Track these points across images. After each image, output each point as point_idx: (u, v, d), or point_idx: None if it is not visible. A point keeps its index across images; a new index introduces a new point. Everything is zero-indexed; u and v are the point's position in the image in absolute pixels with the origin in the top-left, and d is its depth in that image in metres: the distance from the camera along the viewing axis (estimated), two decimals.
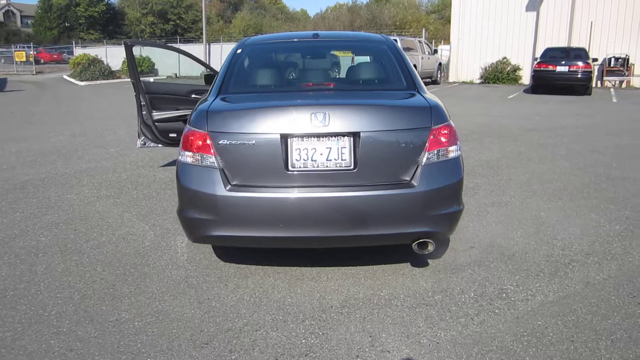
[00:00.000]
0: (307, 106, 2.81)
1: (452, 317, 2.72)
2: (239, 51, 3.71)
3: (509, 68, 20.61)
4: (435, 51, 18.67)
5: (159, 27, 44.66)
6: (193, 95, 5.70)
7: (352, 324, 2.67)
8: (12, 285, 3.14)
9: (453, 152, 2.88)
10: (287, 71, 3.86)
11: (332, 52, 3.98)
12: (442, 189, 2.81)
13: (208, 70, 6.10)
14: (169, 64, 26.50)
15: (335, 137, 2.76)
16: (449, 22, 56.19)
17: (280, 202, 2.75)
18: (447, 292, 3.00)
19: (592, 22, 20.46)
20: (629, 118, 10.82)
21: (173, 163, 6.34)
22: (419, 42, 18.71)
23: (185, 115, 5.52)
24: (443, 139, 2.84)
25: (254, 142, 2.77)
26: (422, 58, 17.85)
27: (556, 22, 21.65)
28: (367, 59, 3.85)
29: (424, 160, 2.81)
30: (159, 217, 4.40)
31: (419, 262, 3.40)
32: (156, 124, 5.57)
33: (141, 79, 5.54)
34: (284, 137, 2.77)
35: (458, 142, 2.91)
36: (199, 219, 2.85)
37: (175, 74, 26.61)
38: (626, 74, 19.16)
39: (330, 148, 2.77)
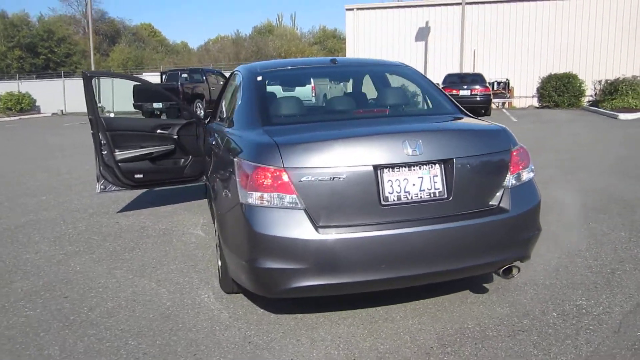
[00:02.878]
0: (399, 133, 2.61)
1: (557, 340, 2.64)
2: (258, 78, 3.40)
3: None
4: None
5: (27, 61, 40.84)
6: (159, 131, 5.16)
7: None
8: None
9: (530, 172, 2.85)
10: (326, 98, 3.61)
11: (366, 76, 3.80)
12: (529, 212, 2.75)
13: (169, 103, 5.58)
14: (53, 99, 24.35)
15: (427, 165, 2.59)
16: (332, 52, 58.71)
17: (380, 241, 2.48)
18: (530, 315, 2.92)
19: (474, 50, 22.45)
20: (546, 135, 11.89)
21: (131, 207, 5.68)
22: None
23: (152, 153, 4.99)
24: (521, 161, 2.80)
25: (344, 176, 2.49)
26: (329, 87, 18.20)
27: (443, 50, 23.48)
28: (400, 83, 3.72)
29: (510, 183, 2.74)
30: (158, 271, 3.84)
31: (478, 287, 3.30)
32: (119, 164, 4.94)
33: (101, 115, 4.90)
34: (376, 169, 2.52)
35: (531, 164, 2.89)
36: (281, 269, 2.47)
37: (62, 111, 24.49)
38: (508, 95, 21.22)
39: (422, 177, 2.58)
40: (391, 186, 2.54)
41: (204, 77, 17.65)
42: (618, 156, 8.39)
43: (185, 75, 17.64)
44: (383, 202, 2.53)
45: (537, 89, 21.73)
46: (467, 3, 21.48)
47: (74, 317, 3.13)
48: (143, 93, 14.26)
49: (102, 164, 4.92)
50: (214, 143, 3.65)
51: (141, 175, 5.08)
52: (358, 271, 2.49)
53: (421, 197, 2.58)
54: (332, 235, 2.45)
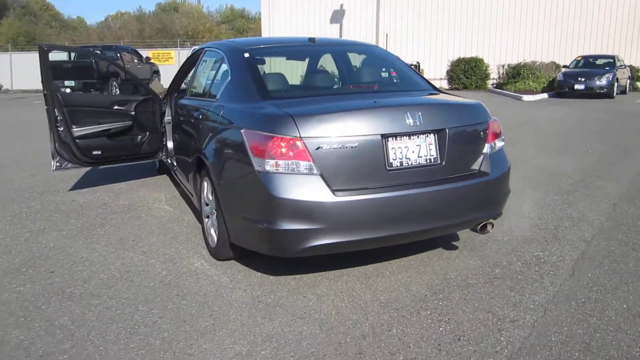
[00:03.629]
0: (403, 106, 2.89)
1: (527, 284, 3.10)
2: (246, 55, 3.52)
3: None
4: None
5: None
6: (115, 107, 5.05)
7: (460, 305, 2.85)
8: (56, 352, 2.51)
9: (501, 141, 3.27)
10: (317, 75, 3.78)
11: (347, 55, 4.01)
12: (503, 175, 3.17)
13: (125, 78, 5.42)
14: None
15: (424, 134, 2.90)
16: (241, 32, 57.59)
17: (387, 201, 2.77)
18: (499, 265, 3.37)
19: (387, 34, 23.32)
20: None
21: (82, 185, 5.52)
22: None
23: (110, 129, 4.90)
24: (495, 131, 3.20)
25: (356, 144, 2.73)
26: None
27: (358, 33, 24.08)
28: (380, 62, 3.97)
29: (488, 150, 3.14)
30: (139, 243, 3.86)
31: (448, 245, 3.71)
32: (77, 141, 4.79)
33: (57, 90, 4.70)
34: (383, 137, 2.80)
35: (502, 134, 3.31)
36: (300, 230, 2.68)
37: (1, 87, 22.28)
38: None
39: (420, 145, 2.89)
40: (395, 153, 2.82)
41: (119, 55, 16.81)
42: (536, 132, 9.36)
43: (98, 52, 16.67)
44: (388, 168, 2.82)
45: (447, 72, 23.10)
46: None
47: (71, 290, 3.12)
48: (60, 70, 13.38)
49: (58, 141, 4.74)
50: (198, 117, 3.71)
51: (99, 152, 4.96)
52: (368, 229, 2.77)
53: (419, 163, 2.89)
54: (346, 197, 2.69)
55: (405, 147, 2.85)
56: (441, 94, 3.51)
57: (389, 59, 3.88)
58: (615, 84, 15.66)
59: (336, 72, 3.83)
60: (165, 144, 5.34)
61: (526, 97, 16.46)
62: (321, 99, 3.24)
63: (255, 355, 2.42)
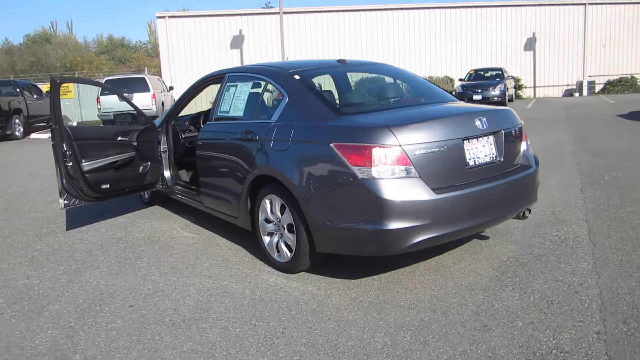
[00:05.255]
0: (473, 113, 3.35)
1: (567, 257, 3.68)
2: (297, 77, 3.78)
3: None
4: (171, 88, 18.75)
5: None
6: (119, 138, 4.96)
7: (531, 279, 3.34)
8: None
9: (528, 140, 3.86)
10: (374, 91, 4.08)
11: (385, 75, 4.38)
12: (538, 167, 3.75)
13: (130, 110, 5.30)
14: None
15: (487, 136, 3.38)
16: (123, 62, 55.43)
17: (473, 195, 3.19)
18: (534, 246, 3.94)
19: (287, 57, 24.05)
20: None
21: (74, 224, 5.26)
22: (159, 79, 18.49)
23: (117, 161, 4.83)
24: (525, 132, 3.78)
25: (444, 147, 3.13)
26: (165, 95, 17.76)
27: (259, 57, 24.56)
28: (413, 80, 4.39)
29: (524, 147, 3.71)
30: (196, 269, 3.89)
31: (480, 236, 4.21)
32: (86, 175, 4.64)
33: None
34: (462, 140, 3.23)
35: None
36: (407, 227, 3.00)
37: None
38: None
39: (485, 145, 3.37)
40: (469, 153, 3.27)
41: (18, 90, 15.58)
42: None
43: None
44: (467, 166, 3.25)
45: None
46: (284, 13, 22.91)
47: (170, 319, 3.12)
48: None
49: (67, 177, 4.54)
50: (245, 139, 3.85)
51: (107, 186, 4.83)
52: (460, 221, 3.17)
53: (486, 161, 3.36)
54: (443, 194, 3.07)
55: (476, 147, 3.31)
56: (474, 104, 4.04)
57: (414, 76, 4.37)
58: (507, 92, 17.76)
59: (381, 88, 4.19)
60: (162, 173, 5.31)
61: None
62: (390, 111, 3.61)
63: (401, 341, 2.69)
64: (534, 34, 25.87)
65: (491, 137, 3.42)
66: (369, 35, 25.07)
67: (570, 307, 2.95)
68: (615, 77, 24.37)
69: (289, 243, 3.59)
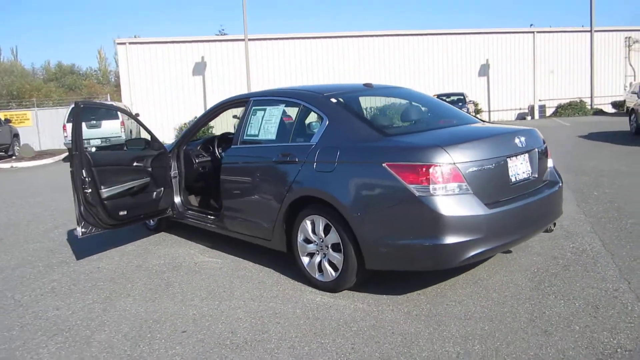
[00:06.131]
0: (514, 132, 3.56)
1: (593, 266, 3.91)
2: (333, 100, 3.90)
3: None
4: (137, 114, 18.38)
5: None
6: (135, 164, 4.90)
7: (568, 286, 3.53)
8: None
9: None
10: (407, 114, 4.21)
11: (410, 98, 4.53)
12: (562, 184, 3.99)
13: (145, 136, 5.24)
14: None
15: (523, 154, 3.59)
16: (73, 89, 54.11)
17: (518, 210, 3.37)
18: (558, 257, 4.15)
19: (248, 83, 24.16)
20: None
21: (83, 254, 5.10)
22: (125, 106, 18.12)
23: (132, 187, 4.77)
24: (549, 150, 4.03)
25: (492, 165, 3.31)
26: (132, 123, 17.38)
27: (222, 83, 24.54)
28: (436, 103, 4.59)
29: (550, 164, 3.95)
30: (237, 293, 3.87)
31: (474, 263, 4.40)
32: (105, 202, 4.54)
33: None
34: (507, 158, 3.41)
35: None
36: (463, 242, 3.12)
37: None
38: None
39: (522, 163, 3.57)
40: (511, 170, 3.46)
41: None
42: None
43: None
44: (510, 182, 3.43)
45: None
46: (249, 39, 23.10)
47: (230, 342, 3.09)
48: None
49: (85, 204, 4.42)
50: (283, 161, 3.90)
51: (125, 212, 4.73)
52: (508, 234, 3.33)
53: (524, 177, 3.56)
54: (495, 209, 3.23)
55: (516, 165, 3.50)
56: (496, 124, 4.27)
57: (435, 99, 4.61)
58: None
59: (411, 110, 4.35)
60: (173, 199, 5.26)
61: None
62: (432, 132, 3.76)
63: (472, 350, 2.79)
64: (487, 60, 27.16)
65: (527, 155, 3.64)
66: (333, 62, 25.59)
67: (616, 311, 3.15)
68: (566, 101, 25.81)
69: (333, 262, 3.64)
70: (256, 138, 4.33)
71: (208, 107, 24.73)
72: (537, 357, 2.69)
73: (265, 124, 4.26)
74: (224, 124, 13.27)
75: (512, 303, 3.35)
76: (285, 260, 4.36)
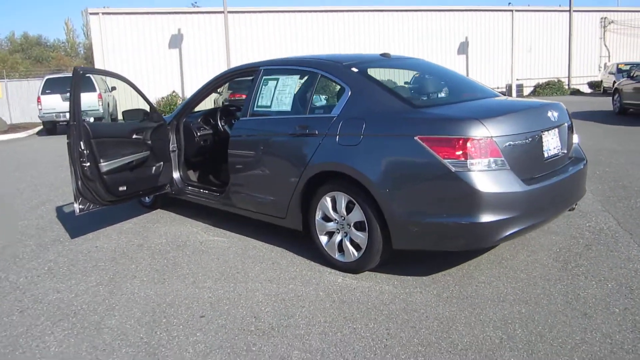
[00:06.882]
0: (548, 106, 3.40)
1: (614, 245, 3.84)
2: (355, 70, 3.68)
3: (179, 100, 21.50)
4: (114, 88, 17.66)
5: None
6: (134, 136, 4.59)
7: (595, 267, 3.45)
8: None
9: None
10: (430, 85, 4.00)
11: (429, 70, 4.31)
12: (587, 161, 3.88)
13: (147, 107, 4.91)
14: None
15: (555, 128, 3.45)
16: (40, 61, 52.24)
17: (553, 187, 3.24)
18: (578, 237, 4.07)
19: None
20: None
21: (79, 231, 4.81)
22: (102, 79, 17.33)
23: (132, 161, 4.49)
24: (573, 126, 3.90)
25: (529, 139, 3.16)
26: (109, 96, 16.72)
27: (203, 58, 23.84)
28: (457, 76, 4.37)
29: (576, 140, 3.82)
30: (251, 274, 3.67)
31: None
32: (104, 177, 4.25)
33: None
34: (541, 132, 3.26)
35: None
36: (501, 220, 2.97)
37: None
38: None
39: (554, 138, 3.43)
40: (545, 145, 3.31)
41: None
42: None
43: None
44: (544, 158, 3.29)
45: None
46: (229, 12, 22.40)
47: (257, 326, 2.91)
48: None
49: (83, 178, 4.12)
50: (303, 134, 3.68)
51: (124, 188, 4.45)
52: (543, 212, 3.21)
53: (554, 153, 3.43)
54: (532, 185, 3.09)
55: (547, 140, 3.36)
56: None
57: (455, 72, 4.41)
58: None
59: (436, 82, 4.14)
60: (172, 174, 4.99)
61: None
62: (463, 104, 3.57)
63: (515, 334, 2.67)
64: (466, 38, 27.08)
65: (557, 130, 3.49)
66: (313, 35, 25.10)
67: None
68: (544, 81, 26.00)
69: (356, 241, 3.46)
70: (268, 110, 4.07)
71: (185, 83, 24.31)
72: (584, 341, 2.59)
73: (279, 95, 4.01)
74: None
75: (543, 284, 3.25)
76: (297, 239, 4.18)
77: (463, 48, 27.19)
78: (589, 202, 5.02)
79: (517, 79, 27.09)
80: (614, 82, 20.13)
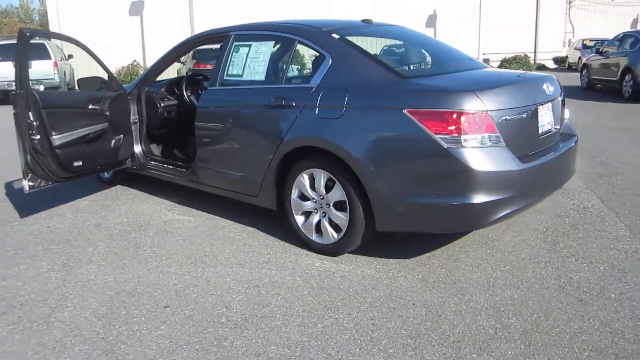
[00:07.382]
0: (543, 78, 3.17)
1: (602, 224, 3.71)
2: (335, 36, 3.36)
3: (141, 70, 20.58)
4: (70, 56, 16.65)
5: None
6: (91, 106, 4.16)
7: (584, 247, 3.30)
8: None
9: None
10: (416, 55, 3.70)
11: (413, 39, 3.98)
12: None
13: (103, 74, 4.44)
14: None
15: (549, 102, 3.23)
16: None
17: (549, 164, 3.03)
18: (564, 216, 3.93)
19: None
20: None
21: (29, 210, 4.41)
22: (57, 46, 16.28)
23: (89, 134, 4.08)
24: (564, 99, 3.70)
25: (524, 114, 2.92)
26: (65, 64, 15.75)
27: (165, 25, 22.80)
28: (441, 45, 4.05)
29: (567, 116, 3.63)
30: (220, 257, 3.38)
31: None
32: (57, 151, 3.83)
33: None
34: (537, 106, 3.04)
35: None
36: (495, 200, 2.75)
37: None
38: None
39: (547, 113, 3.21)
40: (540, 120, 3.09)
41: None
42: None
43: None
44: (538, 134, 3.08)
45: None
46: None
47: (229, 318, 2.63)
48: None
49: (32, 153, 3.70)
50: (279, 105, 3.36)
51: (80, 163, 4.04)
52: (538, 191, 3.02)
53: (547, 129, 3.21)
54: (528, 164, 2.87)
55: (542, 115, 3.14)
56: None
57: (438, 41, 4.13)
58: None
59: (420, 52, 3.83)
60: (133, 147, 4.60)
61: None
62: (454, 75, 3.31)
63: (509, 324, 2.49)
64: (434, 10, 26.82)
65: (550, 104, 3.28)
66: (284, 6, 24.32)
67: None
68: (511, 55, 26.06)
69: (336, 222, 3.20)
70: (240, 79, 3.71)
71: (146, 52, 23.27)
72: (582, 330, 2.42)
73: (251, 63, 3.65)
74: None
75: (533, 267, 3.07)
76: (269, 219, 3.90)
77: (432, 21, 26.92)
78: (571, 180, 4.88)
79: (483, 54, 27.09)
80: (579, 58, 20.33)
